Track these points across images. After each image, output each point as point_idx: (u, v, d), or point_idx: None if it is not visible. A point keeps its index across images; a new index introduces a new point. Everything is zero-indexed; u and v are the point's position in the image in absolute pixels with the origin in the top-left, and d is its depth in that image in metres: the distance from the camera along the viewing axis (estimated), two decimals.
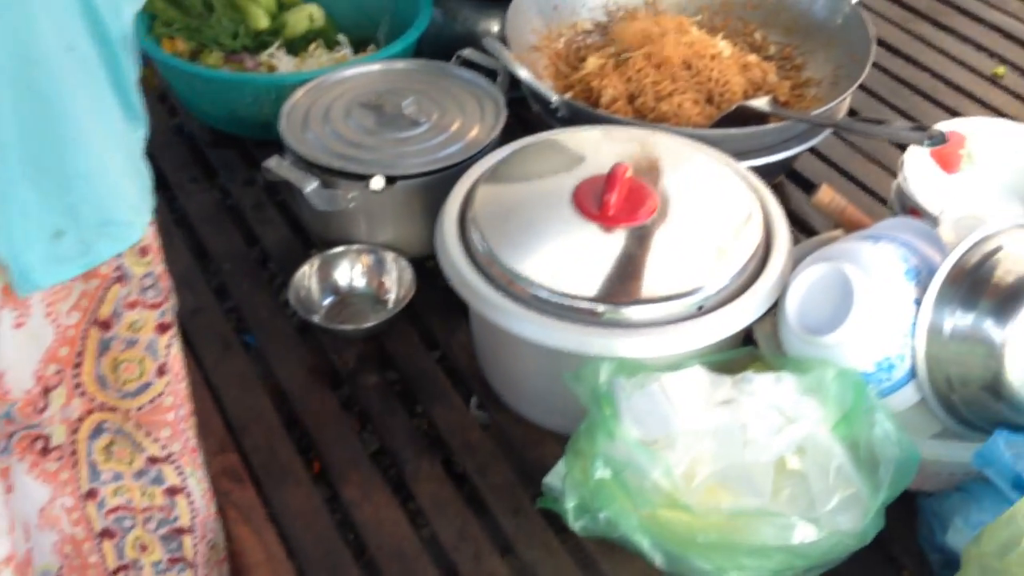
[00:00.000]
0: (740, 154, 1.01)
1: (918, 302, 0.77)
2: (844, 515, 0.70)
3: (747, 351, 0.83)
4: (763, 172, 1.03)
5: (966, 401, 0.77)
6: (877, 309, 0.77)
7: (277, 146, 1.03)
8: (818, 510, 0.71)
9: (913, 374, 0.78)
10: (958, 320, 0.76)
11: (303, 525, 0.83)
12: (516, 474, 0.86)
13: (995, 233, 0.78)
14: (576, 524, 0.75)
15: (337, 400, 0.94)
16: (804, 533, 0.68)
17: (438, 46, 1.26)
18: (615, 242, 0.84)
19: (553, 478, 0.80)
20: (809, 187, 1.16)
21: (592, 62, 1.16)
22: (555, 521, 0.80)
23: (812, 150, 1.15)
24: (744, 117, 1.06)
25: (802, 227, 1.10)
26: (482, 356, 0.94)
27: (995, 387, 0.75)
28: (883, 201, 1.12)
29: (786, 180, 1.17)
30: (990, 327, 0.75)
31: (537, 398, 0.89)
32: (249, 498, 0.84)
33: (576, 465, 0.75)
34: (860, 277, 0.78)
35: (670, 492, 0.70)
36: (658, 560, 0.72)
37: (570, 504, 0.74)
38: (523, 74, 1.03)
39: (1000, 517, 0.63)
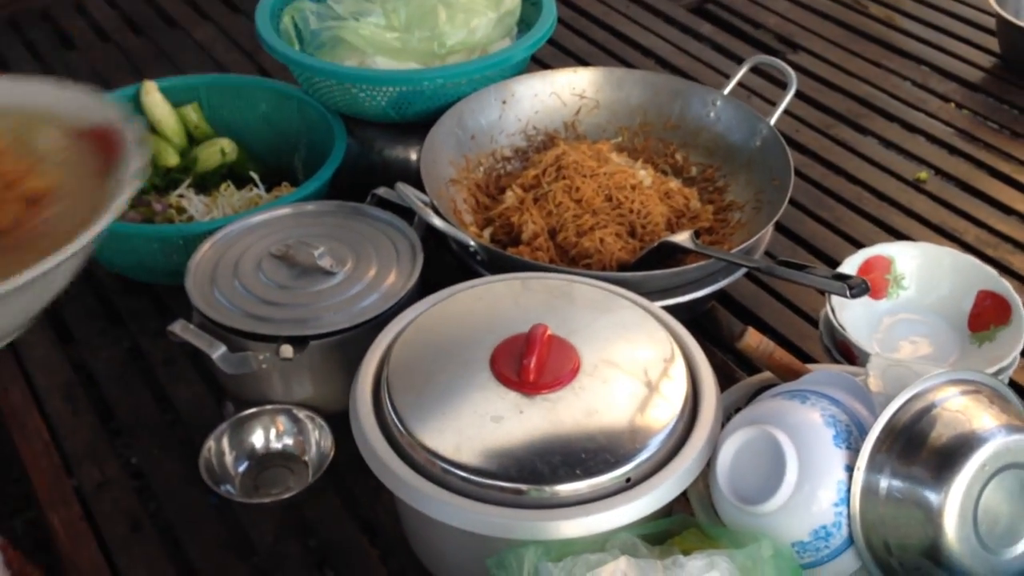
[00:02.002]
0: (665, 291, 0.99)
1: (849, 468, 0.74)
2: None
3: (680, 519, 0.79)
4: (690, 306, 1.01)
5: (906, 567, 0.74)
6: (809, 477, 0.74)
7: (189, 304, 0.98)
8: None
9: (851, 541, 0.74)
10: (893, 484, 0.73)
11: None
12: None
13: (927, 390, 0.76)
14: None
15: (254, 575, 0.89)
16: None
17: (355, 176, 1.23)
18: (536, 411, 0.80)
19: None
20: (742, 311, 1.14)
21: (511, 196, 1.13)
22: None
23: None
24: (670, 252, 1.04)
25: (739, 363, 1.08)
26: (406, 524, 0.89)
27: (934, 553, 0.72)
28: (815, 323, 1.11)
29: (718, 304, 1.15)
30: (927, 491, 0.72)
31: (463, 572, 0.84)
32: None
33: None
34: (789, 445, 0.75)
35: None
36: None
37: None
38: (437, 222, 1.00)
39: None
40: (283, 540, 0.91)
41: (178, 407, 1.05)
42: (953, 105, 1.52)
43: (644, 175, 1.14)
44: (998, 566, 0.72)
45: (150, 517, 0.94)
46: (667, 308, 0.93)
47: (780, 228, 1.26)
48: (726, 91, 1.22)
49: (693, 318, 1.06)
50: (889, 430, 0.74)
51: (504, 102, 1.24)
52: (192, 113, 1.32)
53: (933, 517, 0.71)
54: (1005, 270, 1.18)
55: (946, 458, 0.72)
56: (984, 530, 0.72)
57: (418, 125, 1.19)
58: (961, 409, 0.74)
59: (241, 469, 0.96)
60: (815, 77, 1.60)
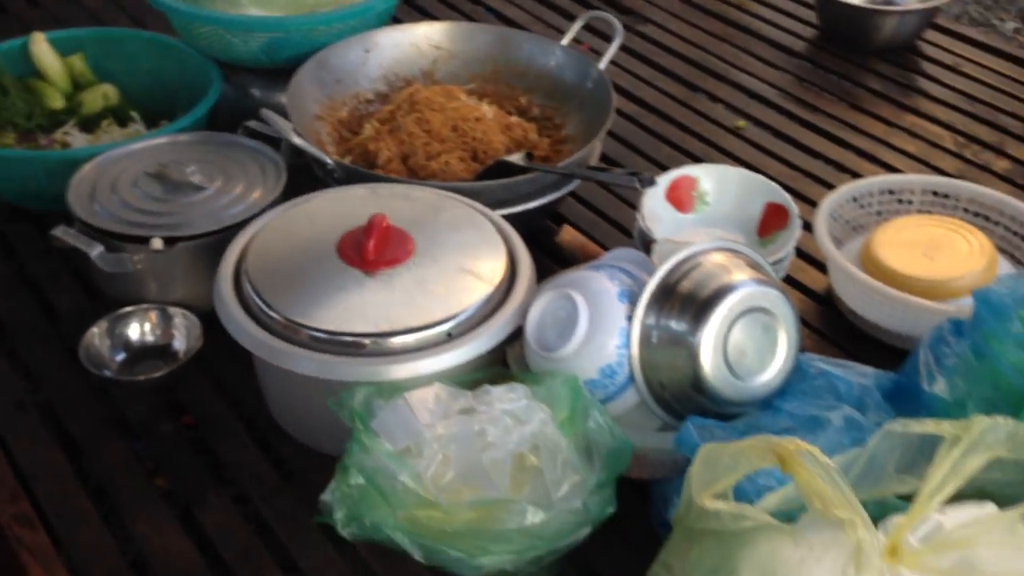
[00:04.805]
0: (501, 203, 1.14)
1: (630, 318, 0.90)
2: (572, 499, 0.81)
3: (497, 370, 0.94)
4: (525, 217, 1.16)
5: (676, 398, 0.90)
6: (597, 326, 0.90)
7: (70, 219, 1.09)
8: (552, 497, 0.82)
9: (632, 379, 0.90)
10: (663, 330, 0.89)
11: (95, 562, 0.88)
12: (299, 498, 0.94)
13: (695, 253, 0.92)
14: (345, 531, 0.83)
15: (130, 448, 1.00)
16: (535, 516, 0.79)
17: (231, 119, 1.35)
18: (375, 284, 0.94)
19: (327, 495, 0.88)
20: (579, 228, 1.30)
21: (368, 128, 1.27)
22: (333, 535, 0.88)
23: (578, 197, 1.31)
24: (506, 171, 1.19)
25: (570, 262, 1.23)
26: (268, 396, 1.02)
27: (696, 384, 0.88)
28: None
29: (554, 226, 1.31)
30: (687, 333, 0.88)
31: (318, 428, 0.97)
32: (42, 542, 0.89)
33: (343, 479, 0.83)
34: (582, 301, 0.90)
35: (420, 493, 0.80)
36: (417, 555, 0.81)
37: (339, 514, 0.83)
38: (297, 140, 1.13)
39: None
40: (157, 417, 1.03)
41: (60, 312, 1.15)
42: (775, 69, 1.72)
43: (487, 110, 1.30)
44: (746, 391, 0.89)
45: (30, 395, 1.04)
46: (509, 219, 1.08)
47: (614, 165, 1.42)
48: (564, 42, 1.39)
49: (531, 235, 1.21)
50: (662, 287, 0.90)
51: (367, 51, 1.38)
52: (77, 62, 1.42)
53: (693, 354, 0.88)
54: (802, 197, 1.35)
55: (702, 306, 0.88)
56: (734, 363, 0.88)
57: (290, 71, 1.32)
58: (716, 267, 0.90)
59: (118, 359, 1.07)
60: (659, 45, 1.77)
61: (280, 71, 1.35)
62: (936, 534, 0.70)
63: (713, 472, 0.69)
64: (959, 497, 0.72)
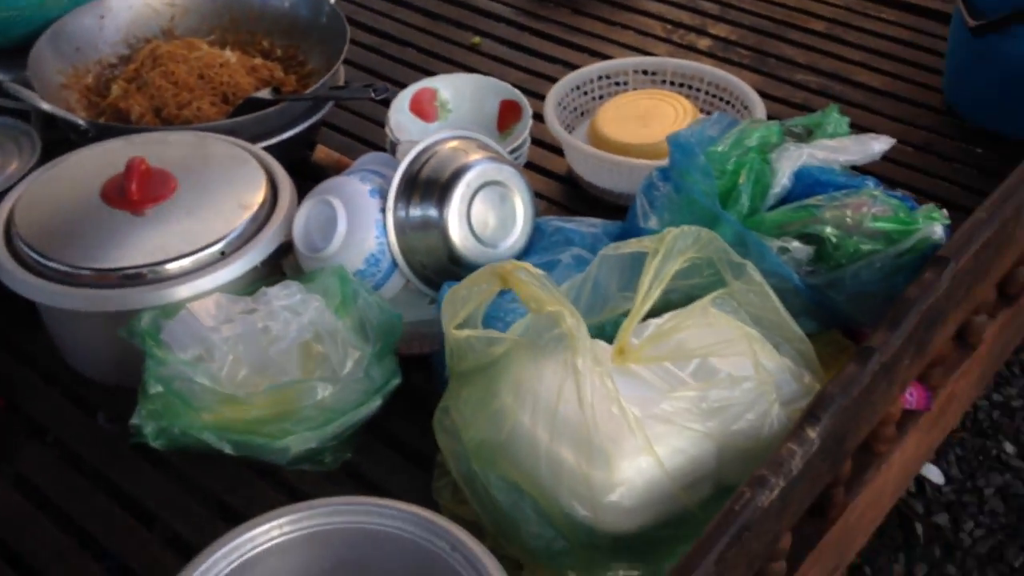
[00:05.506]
0: (257, 137, 1.21)
1: (383, 210, 1.01)
2: (356, 372, 0.92)
3: (274, 279, 1.02)
4: (284, 147, 1.24)
5: (437, 273, 1.02)
6: (355, 222, 1.00)
7: None
8: (340, 375, 0.92)
9: (395, 264, 1.01)
10: (413, 214, 1.01)
11: None
12: (107, 431, 1.00)
13: (432, 144, 1.04)
14: (157, 443, 0.91)
15: None
16: (325, 391, 0.89)
17: None
18: (144, 221, 1.01)
19: (135, 418, 0.95)
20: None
21: (116, 88, 1.31)
22: (150, 454, 0.96)
23: (334, 126, 1.40)
24: (258, 106, 1.26)
25: None
26: (63, 347, 1.07)
27: (451, 256, 1.00)
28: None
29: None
30: (435, 213, 1.00)
31: (115, 364, 1.03)
32: None
33: (145, 396, 0.91)
34: (339, 203, 1.00)
35: (219, 390, 0.88)
36: (227, 449, 0.90)
37: (148, 429, 0.90)
38: (45, 106, 1.16)
39: None
40: None
41: None
42: None
43: (231, 55, 1.36)
44: (495, 255, 1.01)
45: None
46: (269, 150, 1.15)
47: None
48: None
49: (295, 164, 1.29)
50: (407, 178, 1.02)
51: (102, 16, 1.41)
52: None
53: (443, 230, 1.00)
54: (537, 95, 1.48)
55: (444, 187, 1.00)
56: (480, 232, 1.01)
57: (30, 47, 1.33)
58: (452, 152, 1.02)
59: None
60: None
61: (22, 49, 1.36)
62: (651, 331, 0.86)
63: (455, 307, 0.82)
64: (676, 308, 0.88)
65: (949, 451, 1.33)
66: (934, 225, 0.90)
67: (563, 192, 1.33)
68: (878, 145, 1.00)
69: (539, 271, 0.79)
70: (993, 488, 1.29)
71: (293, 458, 0.91)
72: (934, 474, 1.29)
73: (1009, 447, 1.37)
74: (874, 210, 0.91)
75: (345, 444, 0.94)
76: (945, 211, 0.93)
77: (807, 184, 0.99)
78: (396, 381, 0.96)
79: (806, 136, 1.06)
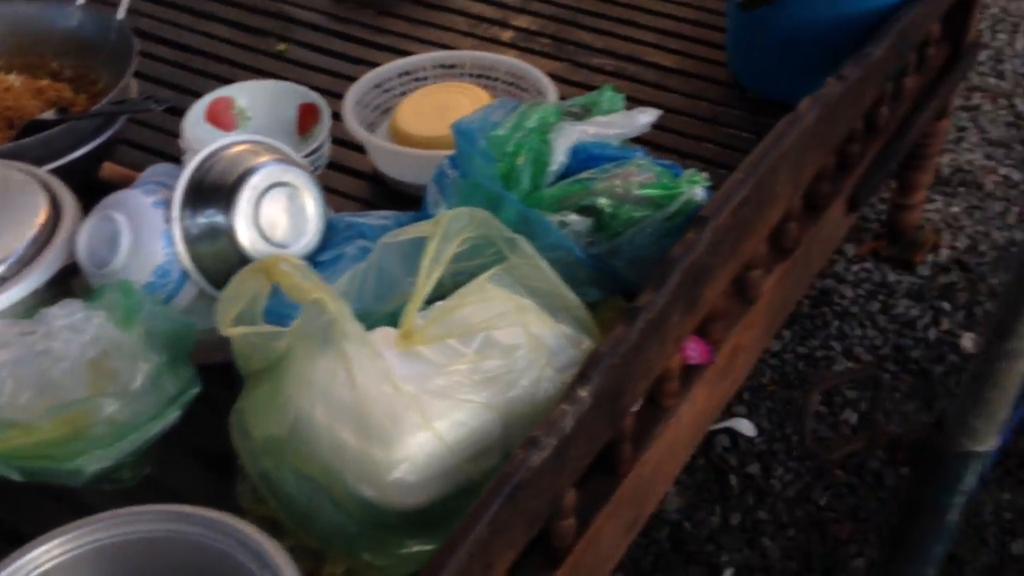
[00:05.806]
0: (45, 159, 1.18)
1: (169, 221, 1.00)
2: (147, 384, 0.91)
3: (61, 301, 1.00)
4: (76, 168, 1.21)
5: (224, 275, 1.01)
6: (140, 235, 0.99)
7: None
8: (130, 388, 0.91)
9: (186, 274, 1.01)
10: (201, 222, 1.00)
11: None
12: None
13: (215, 150, 1.03)
14: None
15: None
16: (111, 407, 0.88)
17: None
18: None
19: None
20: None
21: None
22: None
23: (133, 143, 1.37)
24: (42, 128, 1.23)
25: None
26: None
27: (243, 260, 1.00)
28: None
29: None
30: (222, 219, 0.99)
31: None
32: None
33: None
34: (122, 216, 0.99)
35: (2, 418, 0.86)
36: (15, 476, 0.88)
37: None
38: None
39: None
40: None
41: None
42: None
43: (14, 79, 1.32)
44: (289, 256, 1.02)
45: None
46: (58, 172, 1.13)
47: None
48: (80, 2, 1.43)
49: (90, 184, 1.26)
50: (192, 186, 1.01)
51: None
52: None
53: (231, 236, 0.99)
54: (341, 96, 1.49)
55: (229, 191, 1.00)
56: (269, 234, 1.01)
57: None
58: (237, 156, 1.02)
59: None
60: None
61: None
62: (434, 312, 0.88)
63: (227, 306, 0.82)
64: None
65: (760, 404, 1.40)
66: (695, 188, 0.95)
67: (369, 190, 1.34)
68: (644, 117, 1.04)
69: (300, 262, 0.80)
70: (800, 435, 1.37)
71: (90, 478, 0.89)
72: (746, 427, 1.36)
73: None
74: (640, 178, 0.96)
75: (144, 458, 0.93)
76: (706, 174, 0.98)
77: (582, 159, 1.03)
78: (194, 390, 0.95)
79: (584, 115, 1.10)
